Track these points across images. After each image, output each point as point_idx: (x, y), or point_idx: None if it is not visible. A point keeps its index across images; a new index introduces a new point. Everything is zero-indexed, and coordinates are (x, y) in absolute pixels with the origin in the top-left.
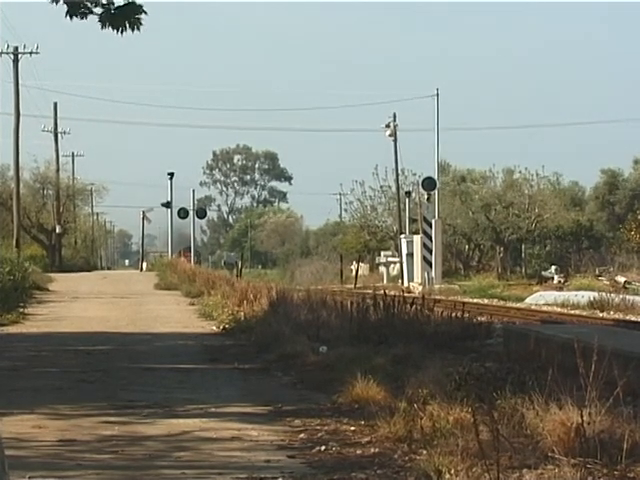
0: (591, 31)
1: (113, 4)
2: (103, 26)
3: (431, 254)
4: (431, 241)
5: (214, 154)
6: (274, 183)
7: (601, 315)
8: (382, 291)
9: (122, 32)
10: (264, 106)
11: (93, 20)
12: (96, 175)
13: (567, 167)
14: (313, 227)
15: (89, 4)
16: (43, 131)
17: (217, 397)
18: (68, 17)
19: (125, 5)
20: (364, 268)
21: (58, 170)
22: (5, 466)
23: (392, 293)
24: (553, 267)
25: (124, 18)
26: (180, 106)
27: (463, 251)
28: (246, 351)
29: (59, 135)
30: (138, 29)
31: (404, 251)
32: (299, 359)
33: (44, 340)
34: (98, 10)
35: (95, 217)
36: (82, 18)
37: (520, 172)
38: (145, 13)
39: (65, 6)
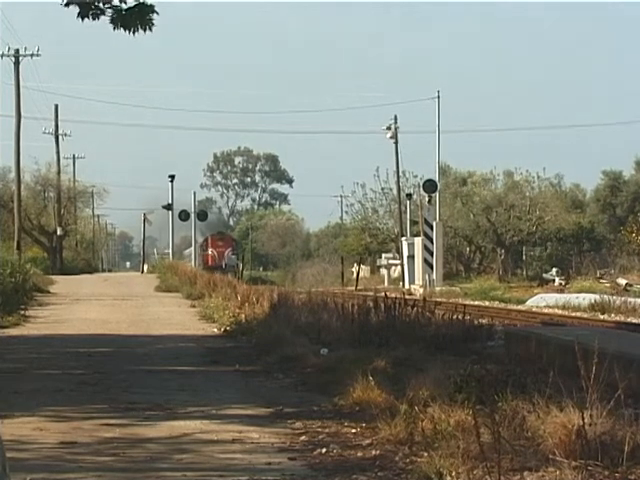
0: (592, 31)
1: (125, 3)
2: (115, 27)
3: (432, 256)
4: (432, 243)
5: (215, 156)
6: (275, 185)
7: (602, 317)
8: (383, 293)
9: (134, 33)
10: (265, 108)
11: (96, 22)
12: (97, 177)
13: (568, 169)
14: (314, 229)
15: (101, 5)
16: (44, 133)
17: (218, 399)
18: (80, 18)
19: (136, 6)
20: (365, 270)
21: (59, 172)
22: (6, 468)
23: (393, 295)
24: (554, 269)
25: (136, 19)
26: (181, 108)
27: (464, 253)
28: (247, 353)
29: (60, 137)
30: (150, 29)
31: (405, 253)
32: (300, 361)
33: (45, 342)
34: (109, 11)
35: (96, 219)
36: (94, 19)
37: (521, 174)
38: (156, 13)
39: (77, 8)
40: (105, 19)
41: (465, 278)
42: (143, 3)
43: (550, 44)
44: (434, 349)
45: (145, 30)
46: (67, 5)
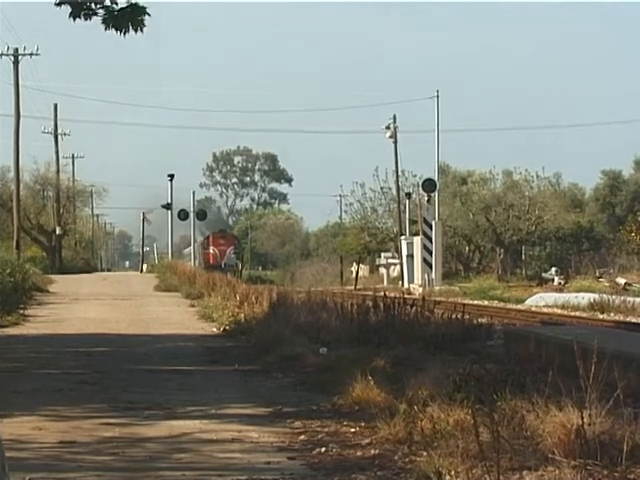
0: (591, 31)
1: (117, 4)
2: (107, 27)
3: (431, 256)
4: (431, 243)
5: (214, 155)
6: (274, 184)
7: (601, 317)
8: (382, 293)
9: (125, 33)
10: (264, 107)
11: (95, 22)
12: (96, 176)
13: (568, 169)
14: (313, 229)
15: (93, 5)
16: (43, 133)
17: (217, 399)
18: (71, 19)
19: (127, 7)
20: (364, 270)
21: (58, 172)
22: (5, 467)
23: (392, 295)
24: (553, 269)
25: (127, 19)
26: (180, 108)
27: (463, 253)
28: (246, 353)
29: (59, 136)
30: (141, 30)
31: (404, 253)
32: (299, 361)
33: (44, 342)
34: (101, 12)
35: (95, 218)
36: (86, 19)
37: (520, 174)
38: (148, 14)
39: (69, 7)
40: (97, 19)
41: (464, 277)
42: (135, 4)
43: (550, 44)
44: (433, 348)
45: (136, 31)
46: (59, 5)
